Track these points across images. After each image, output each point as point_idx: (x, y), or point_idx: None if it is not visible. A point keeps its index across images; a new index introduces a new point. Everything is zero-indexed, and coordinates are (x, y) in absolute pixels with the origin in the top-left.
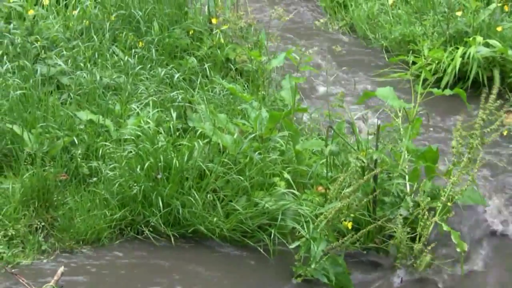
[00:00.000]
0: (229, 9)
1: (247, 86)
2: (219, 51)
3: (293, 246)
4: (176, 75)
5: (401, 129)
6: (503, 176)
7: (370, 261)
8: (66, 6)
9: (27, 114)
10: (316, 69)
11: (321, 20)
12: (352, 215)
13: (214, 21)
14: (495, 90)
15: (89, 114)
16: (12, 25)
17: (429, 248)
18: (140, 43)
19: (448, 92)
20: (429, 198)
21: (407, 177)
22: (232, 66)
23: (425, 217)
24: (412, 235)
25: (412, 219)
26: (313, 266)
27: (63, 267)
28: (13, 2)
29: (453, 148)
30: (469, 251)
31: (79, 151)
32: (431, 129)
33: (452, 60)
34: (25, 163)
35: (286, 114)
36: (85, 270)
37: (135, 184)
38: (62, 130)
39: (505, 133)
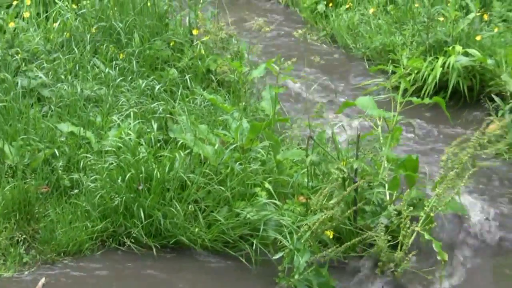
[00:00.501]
0: (210, 20)
1: (228, 97)
2: (200, 62)
3: (276, 257)
4: (157, 87)
5: (381, 138)
6: (485, 180)
7: (351, 269)
8: (47, 18)
9: (8, 126)
10: (297, 79)
11: (301, 31)
12: (334, 224)
13: (195, 32)
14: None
15: (70, 126)
16: None
17: (410, 256)
18: (121, 55)
19: (427, 101)
20: (411, 208)
21: (387, 186)
22: (213, 77)
23: (407, 226)
24: (393, 243)
25: (393, 228)
26: (296, 277)
27: (44, 279)
28: None
29: (442, 162)
30: (450, 259)
31: (60, 163)
32: (412, 137)
33: (432, 69)
34: (6, 176)
35: (267, 125)
36: (67, 282)
37: (116, 196)
38: (43, 142)
39: (491, 149)
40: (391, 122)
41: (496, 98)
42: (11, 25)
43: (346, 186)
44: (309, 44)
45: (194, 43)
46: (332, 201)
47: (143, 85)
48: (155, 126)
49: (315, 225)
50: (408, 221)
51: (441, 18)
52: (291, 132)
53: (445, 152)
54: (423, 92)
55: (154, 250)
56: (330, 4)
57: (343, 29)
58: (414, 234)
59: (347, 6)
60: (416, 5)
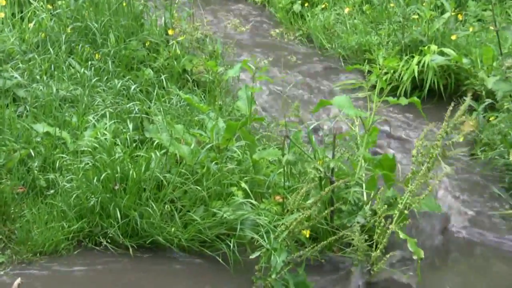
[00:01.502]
0: (185, 20)
1: (204, 96)
2: (175, 62)
3: (253, 256)
4: (133, 87)
5: (358, 138)
6: (461, 180)
7: (328, 268)
8: (22, 18)
9: None
10: (272, 79)
11: (277, 31)
12: (310, 224)
13: (170, 32)
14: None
15: (46, 127)
16: None
17: (388, 256)
18: (97, 55)
19: (403, 101)
20: (386, 206)
21: (364, 185)
22: (189, 77)
23: (382, 224)
24: (370, 242)
25: (370, 227)
26: (273, 276)
27: (19, 278)
28: None
29: (413, 157)
30: (426, 257)
31: (36, 164)
32: (389, 137)
33: (407, 69)
34: None
35: (242, 124)
36: (43, 282)
37: (92, 196)
38: (19, 142)
39: (461, 139)
40: (368, 121)
41: (468, 99)
42: None
43: (323, 185)
44: (286, 44)
45: (170, 43)
46: (309, 201)
47: (119, 85)
48: (130, 126)
49: (292, 225)
50: (383, 220)
51: (416, 17)
52: (267, 132)
53: (415, 146)
54: (399, 91)
55: (131, 250)
56: (306, 4)
57: (319, 29)
58: (389, 232)
59: (322, 6)
60: (392, 4)
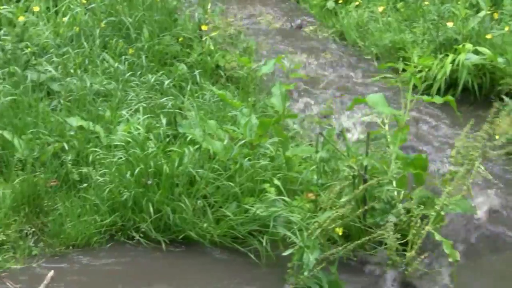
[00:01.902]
0: (218, 16)
1: (237, 92)
2: (209, 58)
3: (286, 253)
4: (166, 82)
5: (389, 136)
6: (497, 179)
7: (360, 268)
8: (57, 13)
9: (17, 120)
10: (306, 76)
11: (311, 27)
12: (343, 222)
13: (203, 27)
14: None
15: (79, 120)
16: (2, 31)
17: (423, 257)
18: (130, 49)
19: (437, 99)
20: (421, 206)
21: (394, 183)
22: (222, 73)
23: (417, 225)
24: (402, 241)
25: (403, 226)
26: (305, 274)
27: (52, 271)
28: (3, 8)
29: (452, 158)
30: (462, 259)
31: (69, 157)
32: (424, 136)
33: (442, 67)
34: (16, 169)
35: (276, 121)
36: (75, 275)
37: (125, 190)
38: (53, 136)
39: (497, 137)
40: (401, 120)
41: (506, 98)
42: (21, 19)
43: (356, 183)
44: (319, 41)
45: (203, 39)
46: (343, 199)
47: (152, 80)
48: (164, 121)
49: (325, 223)
50: (419, 220)
51: (450, 23)
52: (300, 129)
53: (455, 146)
54: (433, 90)
55: (163, 244)
56: (340, 1)
57: (352, 27)
58: (424, 233)
59: (356, 3)
60: (426, 2)
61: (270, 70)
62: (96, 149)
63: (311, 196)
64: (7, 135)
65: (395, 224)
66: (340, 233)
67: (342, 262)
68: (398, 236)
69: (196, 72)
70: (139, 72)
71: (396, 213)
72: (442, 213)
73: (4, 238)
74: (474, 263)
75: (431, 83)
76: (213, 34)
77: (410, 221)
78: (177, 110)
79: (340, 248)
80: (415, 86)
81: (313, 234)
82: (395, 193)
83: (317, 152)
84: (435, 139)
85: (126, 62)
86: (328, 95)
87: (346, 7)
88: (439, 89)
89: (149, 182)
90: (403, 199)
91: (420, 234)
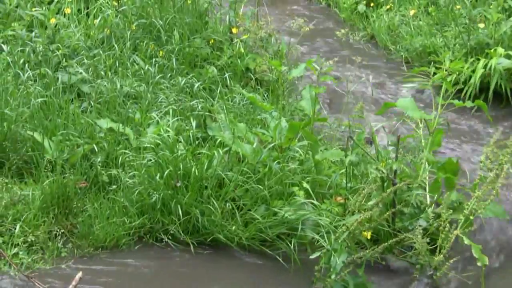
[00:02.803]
0: (249, 19)
1: (267, 95)
2: (239, 61)
3: (313, 256)
4: (196, 84)
5: (422, 140)
6: None
7: (388, 272)
8: (88, 15)
9: (48, 121)
10: (337, 79)
11: (342, 31)
12: (371, 225)
13: (234, 30)
14: None
15: (109, 122)
16: (34, 33)
17: (451, 261)
18: (161, 52)
19: (469, 104)
20: (451, 211)
21: (427, 188)
22: (252, 76)
23: (447, 229)
24: (432, 247)
25: (432, 231)
26: (333, 277)
27: (81, 272)
28: (35, 10)
29: (481, 163)
30: (491, 264)
31: (99, 159)
32: (455, 140)
33: (473, 71)
34: (46, 170)
35: (305, 124)
36: (103, 277)
37: (154, 192)
38: (82, 138)
39: None
40: (432, 124)
41: None
42: (52, 21)
43: (385, 187)
44: (350, 44)
45: (234, 42)
46: (370, 202)
47: (182, 82)
48: (193, 123)
49: (353, 226)
50: (448, 225)
51: (481, 24)
52: (329, 132)
53: (483, 152)
54: (463, 94)
55: (192, 247)
56: (371, 4)
57: (383, 30)
58: (453, 237)
59: (387, 7)
60: (458, 6)
61: (300, 73)
62: (125, 151)
63: (340, 199)
64: (37, 136)
65: (425, 229)
66: (369, 237)
67: (370, 266)
68: (428, 240)
69: (226, 75)
70: (169, 75)
71: (426, 217)
72: (471, 217)
73: (33, 239)
74: (505, 268)
75: (462, 87)
76: (244, 37)
77: (439, 226)
78: (207, 113)
79: (368, 251)
80: (446, 90)
81: (341, 237)
82: (427, 197)
83: (346, 155)
84: (466, 143)
85: (157, 65)
86: (359, 99)
87: (377, 11)
88: (470, 93)
89: (178, 184)
90: (433, 204)
91: (449, 239)
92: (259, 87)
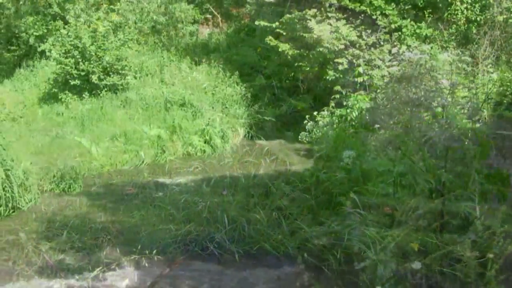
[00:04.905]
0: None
1: (314, 104)
2: (286, 69)
3: (359, 267)
4: (243, 91)
5: (471, 151)
6: None
7: (435, 284)
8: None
9: (95, 128)
10: (383, 87)
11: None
12: (419, 237)
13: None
14: None
15: (156, 129)
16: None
17: (502, 277)
18: (208, 59)
19: None
20: (505, 225)
21: (476, 199)
22: (299, 84)
23: (500, 243)
24: (481, 260)
25: (481, 243)
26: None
27: (127, 279)
28: (86, 18)
29: None
30: None
31: (145, 165)
32: (506, 151)
33: None
34: (92, 177)
35: (353, 133)
36: (149, 283)
37: (200, 200)
38: (129, 144)
39: None
40: (481, 134)
41: None
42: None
43: (433, 198)
44: (397, 54)
45: (280, 50)
46: (417, 213)
47: (229, 89)
48: (241, 131)
49: (399, 237)
50: (502, 239)
51: None
52: (377, 142)
53: None
54: None
55: (237, 255)
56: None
57: None
58: (507, 252)
59: None
60: None
61: (348, 81)
62: (172, 158)
63: (387, 210)
64: (85, 142)
65: (474, 241)
66: (416, 249)
67: (417, 279)
68: (477, 253)
69: (274, 83)
70: (215, 82)
71: (474, 229)
72: None
73: (80, 245)
74: None
75: None
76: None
77: (490, 239)
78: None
79: (414, 262)
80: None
81: (387, 248)
82: (476, 209)
83: (394, 166)
84: None
85: (203, 72)
86: (405, 108)
87: None
88: None
89: (225, 192)
90: (483, 216)
91: (503, 254)
92: (306, 95)
